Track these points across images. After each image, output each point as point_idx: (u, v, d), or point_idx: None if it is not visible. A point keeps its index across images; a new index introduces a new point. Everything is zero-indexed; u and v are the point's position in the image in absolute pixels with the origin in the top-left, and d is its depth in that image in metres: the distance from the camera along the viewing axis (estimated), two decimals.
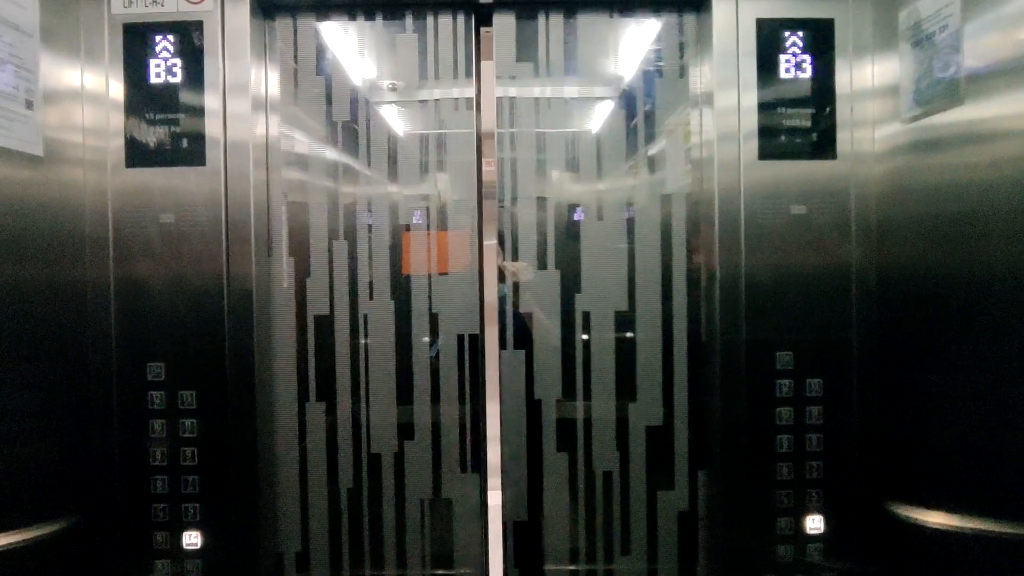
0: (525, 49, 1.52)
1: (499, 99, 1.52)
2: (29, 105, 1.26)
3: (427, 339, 1.53)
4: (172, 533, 1.37)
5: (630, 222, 1.54)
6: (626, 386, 1.54)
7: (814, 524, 1.39)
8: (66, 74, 1.35)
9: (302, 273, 1.51)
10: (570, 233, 1.54)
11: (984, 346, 1.17)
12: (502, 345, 1.52)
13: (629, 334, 1.54)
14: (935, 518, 1.26)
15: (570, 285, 1.53)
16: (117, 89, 1.38)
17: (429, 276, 1.53)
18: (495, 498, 1.53)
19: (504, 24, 1.52)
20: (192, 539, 1.37)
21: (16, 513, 1.23)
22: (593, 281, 1.53)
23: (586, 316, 1.53)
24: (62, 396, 1.32)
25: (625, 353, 1.54)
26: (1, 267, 1.20)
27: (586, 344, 1.53)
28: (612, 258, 1.53)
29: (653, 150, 1.56)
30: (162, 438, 1.37)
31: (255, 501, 1.41)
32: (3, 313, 1.21)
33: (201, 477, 1.38)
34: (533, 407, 1.54)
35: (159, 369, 1.37)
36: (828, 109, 1.40)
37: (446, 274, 1.53)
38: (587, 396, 1.54)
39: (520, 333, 1.54)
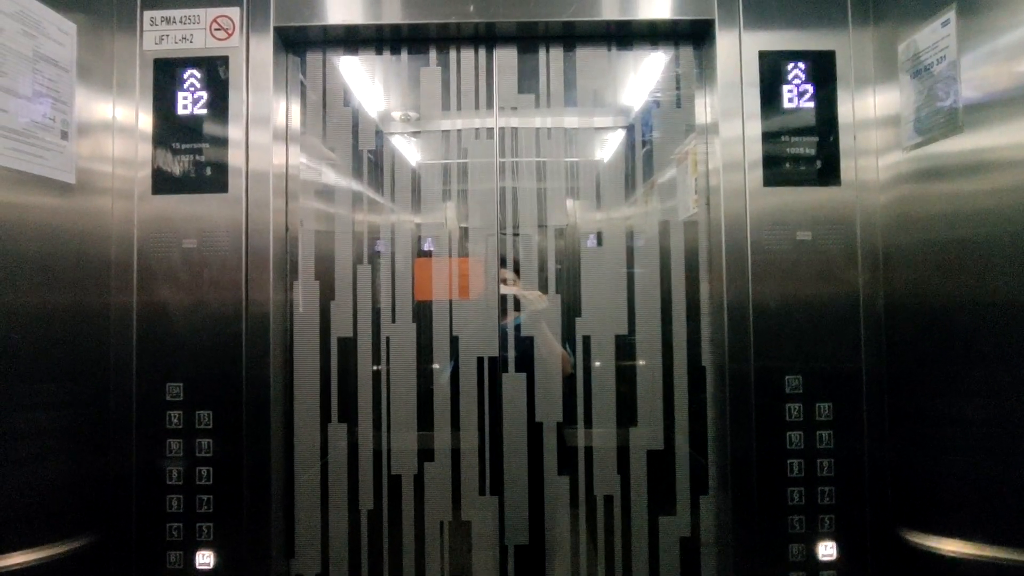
0: (526, 81, 1.58)
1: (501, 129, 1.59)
2: (64, 136, 1.33)
3: (437, 366, 1.56)
4: (185, 552, 1.39)
5: (646, 249, 1.57)
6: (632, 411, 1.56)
7: (826, 551, 1.38)
8: (99, 106, 1.42)
9: (326, 297, 1.56)
10: (579, 259, 1.57)
11: (991, 371, 1.17)
12: (503, 368, 1.55)
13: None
14: (949, 545, 1.24)
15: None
16: (146, 120, 1.45)
17: (450, 301, 1.56)
18: None
19: (505, 56, 1.58)
20: (205, 559, 1.39)
21: (35, 531, 1.26)
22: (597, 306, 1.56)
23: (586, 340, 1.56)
24: (83, 416, 1.36)
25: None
26: (29, 291, 1.26)
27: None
28: (621, 283, 1.56)
29: (661, 179, 1.59)
30: (178, 457, 1.40)
31: (268, 522, 1.42)
32: (30, 336, 1.26)
33: (215, 497, 1.40)
34: (534, 430, 1.55)
35: (178, 389, 1.40)
36: (831, 137, 1.43)
37: (467, 299, 1.57)
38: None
39: (523, 357, 1.56)
